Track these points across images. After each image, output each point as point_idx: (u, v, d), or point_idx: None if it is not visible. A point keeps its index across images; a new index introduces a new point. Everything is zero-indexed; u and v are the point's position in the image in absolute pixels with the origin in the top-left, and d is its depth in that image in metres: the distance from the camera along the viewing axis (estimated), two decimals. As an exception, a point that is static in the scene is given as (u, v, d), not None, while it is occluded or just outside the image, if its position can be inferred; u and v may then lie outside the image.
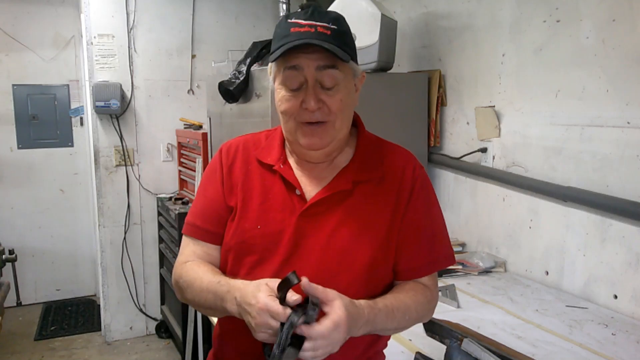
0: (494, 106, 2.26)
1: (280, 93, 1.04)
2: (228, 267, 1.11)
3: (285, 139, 1.13)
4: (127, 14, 3.41)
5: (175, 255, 3.22)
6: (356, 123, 1.16)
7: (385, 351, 1.20)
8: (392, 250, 1.08)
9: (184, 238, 1.16)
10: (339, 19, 1.04)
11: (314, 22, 0.99)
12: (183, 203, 3.25)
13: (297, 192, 1.07)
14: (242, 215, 1.09)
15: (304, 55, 0.99)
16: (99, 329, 3.72)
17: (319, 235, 1.05)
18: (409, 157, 1.14)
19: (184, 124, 3.50)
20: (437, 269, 1.14)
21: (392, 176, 1.10)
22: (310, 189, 1.08)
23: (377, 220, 1.07)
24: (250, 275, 1.06)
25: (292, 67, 1.00)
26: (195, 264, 1.10)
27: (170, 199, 3.41)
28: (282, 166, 1.09)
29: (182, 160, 3.50)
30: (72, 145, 4.23)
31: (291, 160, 1.12)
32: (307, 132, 1.03)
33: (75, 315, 4.01)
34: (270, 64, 1.07)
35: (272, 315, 0.86)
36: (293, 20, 1.01)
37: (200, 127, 3.35)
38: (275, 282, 0.89)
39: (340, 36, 1.01)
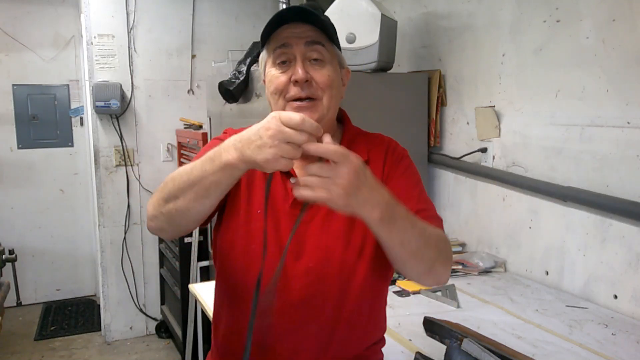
0: (494, 106, 2.26)
1: (270, 73, 1.07)
2: (230, 252, 1.12)
3: None
4: (127, 14, 3.41)
5: (175, 256, 3.23)
6: (343, 119, 1.19)
7: (385, 351, 1.21)
8: None
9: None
10: (324, 14, 1.09)
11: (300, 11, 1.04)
12: (183, 203, 3.23)
13: (292, 180, 1.10)
14: (248, 200, 1.11)
15: (293, 33, 1.04)
16: (99, 329, 3.72)
17: (315, 220, 1.08)
18: (390, 141, 1.19)
19: (184, 124, 3.50)
20: (432, 217, 1.09)
21: (376, 160, 1.14)
22: None
23: None
24: (254, 261, 1.07)
25: (281, 45, 1.04)
26: None
27: (170, 199, 3.39)
28: None
29: (182, 160, 3.49)
30: (72, 145, 4.23)
31: None
32: (296, 110, 1.03)
33: (75, 315, 4.01)
34: (261, 56, 1.11)
35: (285, 122, 0.81)
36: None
37: (200, 127, 3.35)
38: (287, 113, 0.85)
39: (326, 21, 1.06)
